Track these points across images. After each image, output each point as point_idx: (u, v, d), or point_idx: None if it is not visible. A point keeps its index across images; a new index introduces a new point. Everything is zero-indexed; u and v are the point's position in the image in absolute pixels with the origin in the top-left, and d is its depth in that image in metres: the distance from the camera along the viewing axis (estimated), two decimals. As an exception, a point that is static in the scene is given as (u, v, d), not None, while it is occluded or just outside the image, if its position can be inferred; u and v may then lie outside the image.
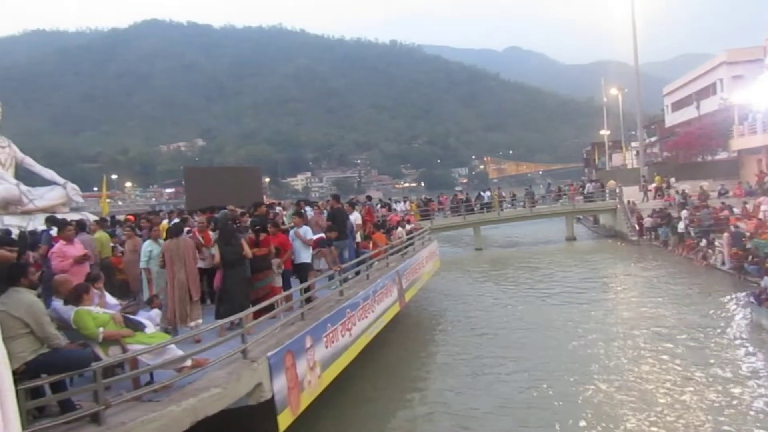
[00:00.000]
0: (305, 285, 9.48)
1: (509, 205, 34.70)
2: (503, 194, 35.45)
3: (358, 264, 11.84)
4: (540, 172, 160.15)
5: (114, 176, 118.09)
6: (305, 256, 10.00)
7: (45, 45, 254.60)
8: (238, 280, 8.45)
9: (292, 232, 10.21)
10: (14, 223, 14.57)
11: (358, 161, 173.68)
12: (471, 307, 17.06)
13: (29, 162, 17.80)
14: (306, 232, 10.09)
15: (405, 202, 30.33)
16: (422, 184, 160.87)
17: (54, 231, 10.02)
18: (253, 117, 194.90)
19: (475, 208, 32.34)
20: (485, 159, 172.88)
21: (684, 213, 24.39)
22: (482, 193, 35.36)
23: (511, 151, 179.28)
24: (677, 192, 29.57)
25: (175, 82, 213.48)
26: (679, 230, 23.85)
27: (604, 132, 56.29)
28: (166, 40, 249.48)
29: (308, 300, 9.23)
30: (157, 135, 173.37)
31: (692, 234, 22.99)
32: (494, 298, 18.21)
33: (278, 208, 14.98)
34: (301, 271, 9.93)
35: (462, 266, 25.92)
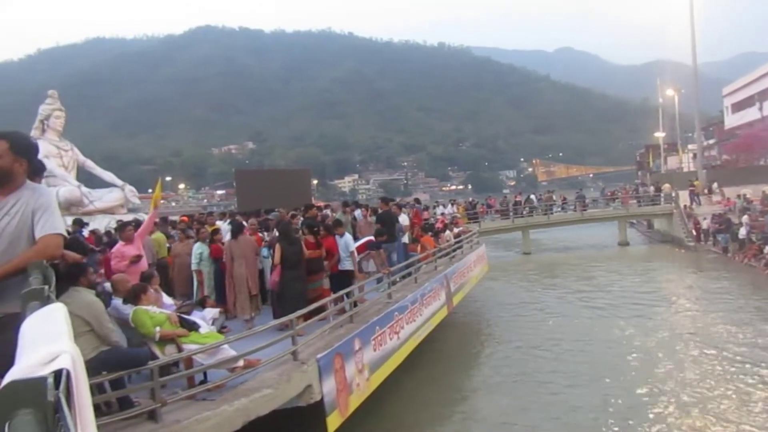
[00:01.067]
0: (355, 287, 9.50)
1: (559, 209, 34.02)
2: (553, 197, 34.79)
3: (407, 267, 11.80)
4: (591, 175, 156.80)
5: (168, 178, 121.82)
6: (348, 263, 9.88)
7: (105, 52, 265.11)
8: (298, 281, 8.57)
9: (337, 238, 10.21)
10: (76, 224, 15.19)
11: (405, 163, 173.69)
12: (518, 312, 16.79)
13: (90, 165, 18.50)
14: (348, 242, 9.94)
15: (452, 204, 30.07)
16: (469, 186, 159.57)
17: (85, 232, 10.45)
18: (302, 120, 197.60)
19: (524, 212, 31.87)
20: (534, 161, 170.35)
21: (745, 218, 23.40)
22: (531, 196, 34.80)
23: (561, 154, 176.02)
24: (737, 196, 28.44)
25: (227, 86, 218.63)
26: (740, 236, 22.89)
27: (659, 134, 54.49)
28: (219, 46, 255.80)
29: (354, 304, 9.20)
30: (208, 138, 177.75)
31: (754, 240, 22.02)
32: (542, 304, 17.82)
33: (327, 211, 15.09)
34: (344, 279, 9.78)
35: (510, 270, 25.54)
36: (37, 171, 3.55)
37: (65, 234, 3.11)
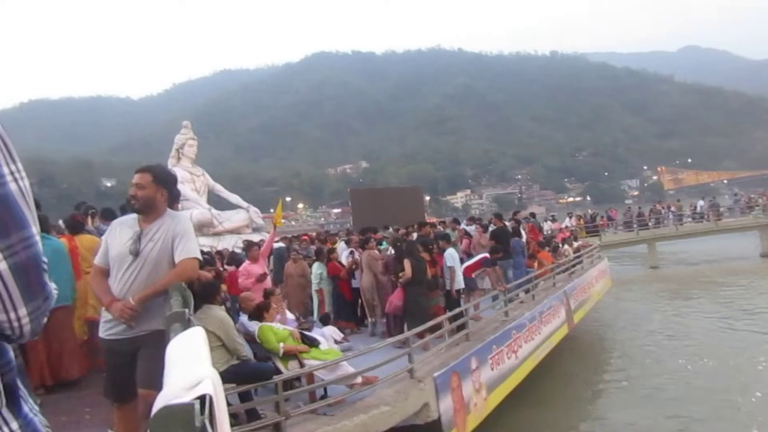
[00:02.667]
0: (470, 305, 9.39)
1: (689, 219, 31.58)
2: (682, 206, 32.35)
3: (523, 284, 11.49)
4: (725, 181, 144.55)
5: (288, 198, 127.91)
6: (456, 281, 9.68)
7: (230, 82, 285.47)
8: (422, 297, 8.64)
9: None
10: (206, 244, 16.31)
11: (519, 177, 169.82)
12: (647, 332, 15.68)
13: (219, 188, 19.84)
14: (451, 255, 9.66)
15: (570, 218, 28.90)
16: (588, 198, 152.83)
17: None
18: (414, 137, 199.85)
19: (650, 223, 29.93)
20: (659, 169, 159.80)
21: None
22: (657, 206, 32.52)
23: (689, 160, 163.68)
24: None
25: (342, 108, 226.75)
26: None
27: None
28: (333, 70, 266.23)
29: (461, 328, 8.87)
30: (325, 158, 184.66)
31: None
32: (673, 324, 16.52)
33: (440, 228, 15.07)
34: (451, 296, 9.56)
35: (636, 286, 24.02)
36: (175, 198, 3.89)
37: (200, 258, 3.37)
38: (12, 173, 0.94)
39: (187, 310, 1.57)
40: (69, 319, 6.23)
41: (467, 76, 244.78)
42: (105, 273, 3.37)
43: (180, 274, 3.17)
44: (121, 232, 3.36)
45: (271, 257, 11.08)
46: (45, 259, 0.95)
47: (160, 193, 3.36)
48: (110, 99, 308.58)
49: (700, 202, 32.42)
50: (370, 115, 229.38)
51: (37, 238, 0.95)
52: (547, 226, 23.90)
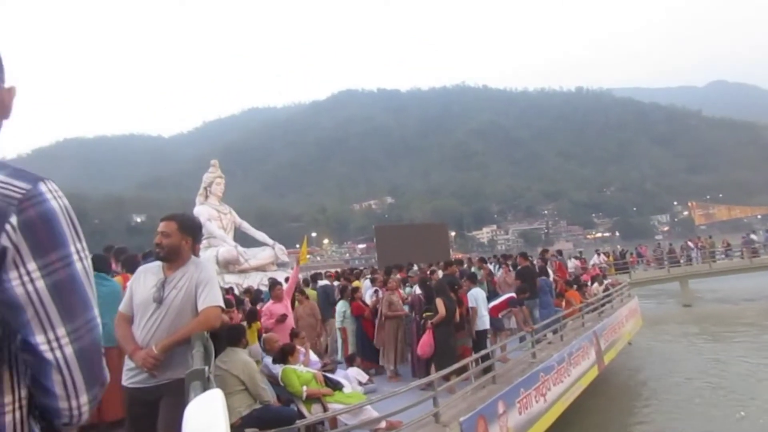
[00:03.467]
0: (497, 346, 9.22)
1: (722, 256, 30.78)
2: (714, 243, 31.54)
3: (551, 324, 11.25)
4: (759, 216, 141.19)
5: (314, 234, 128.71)
6: (481, 322, 9.52)
7: (258, 120, 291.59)
8: (451, 337, 8.52)
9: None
10: (232, 281, 16.43)
11: (545, 212, 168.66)
12: (682, 374, 15.15)
13: (246, 226, 20.10)
14: (474, 296, 9.43)
15: (598, 254, 28.37)
16: (617, 233, 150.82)
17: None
18: (439, 173, 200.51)
19: (682, 260, 29.26)
20: (689, 204, 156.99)
21: None
22: (688, 242, 31.79)
23: (720, 195, 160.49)
24: None
25: (367, 145, 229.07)
26: None
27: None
28: (359, 107, 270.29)
29: (487, 370, 8.66)
30: (350, 194, 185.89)
31: None
32: (710, 364, 15.95)
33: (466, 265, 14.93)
34: (480, 338, 9.35)
35: (669, 325, 23.33)
36: (197, 241, 3.96)
37: (223, 306, 3.38)
38: (78, 252, 0.97)
39: (207, 368, 1.56)
40: (119, 361, 6.25)
41: (492, 112, 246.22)
42: (129, 320, 3.39)
43: (202, 322, 3.17)
44: (145, 279, 3.39)
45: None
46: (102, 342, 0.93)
47: (185, 240, 3.40)
48: (142, 137, 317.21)
49: (753, 236, 31.54)
50: (396, 151, 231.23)
51: (98, 320, 0.97)
52: (571, 264, 23.18)
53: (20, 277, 0.94)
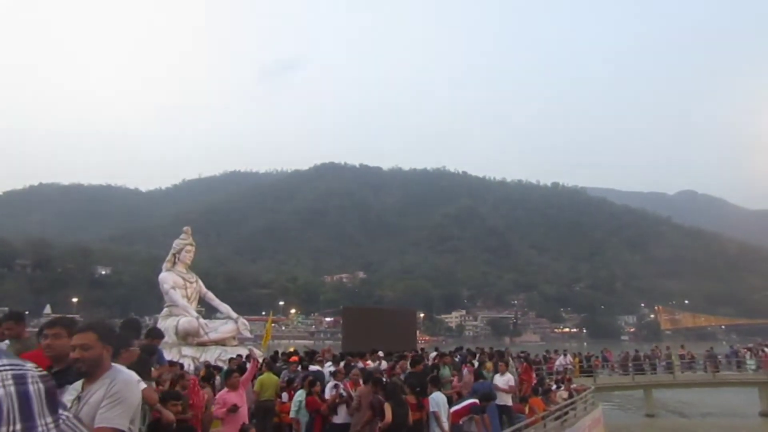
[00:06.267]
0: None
1: (686, 367, 30.73)
2: (671, 354, 31.49)
3: (513, 432, 10.90)
4: (722, 327, 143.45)
5: (281, 302, 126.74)
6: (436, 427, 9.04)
7: (238, 184, 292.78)
8: None
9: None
10: (190, 354, 15.87)
11: (515, 302, 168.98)
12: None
13: (210, 297, 19.65)
14: (435, 401, 8.88)
15: (565, 355, 28.13)
16: (584, 330, 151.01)
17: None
18: (414, 253, 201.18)
19: (646, 367, 29.09)
20: (656, 308, 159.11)
21: None
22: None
23: (686, 301, 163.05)
24: None
25: (345, 219, 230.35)
26: None
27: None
28: (340, 181, 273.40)
29: None
30: (323, 266, 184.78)
31: None
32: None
33: (435, 359, 14.60)
34: None
35: (631, 436, 22.95)
36: (126, 343, 3.74)
37: (123, 429, 3.00)
38: (44, 425, 1.07)
39: None
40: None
41: (470, 198, 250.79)
42: None
43: None
44: (69, 394, 3.16)
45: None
46: None
47: (106, 350, 3.18)
48: (119, 189, 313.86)
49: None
50: (373, 228, 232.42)
51: None
52: (561, 361, 23.13)
53: None
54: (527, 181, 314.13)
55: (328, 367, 11.78)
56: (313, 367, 11.68)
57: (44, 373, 1.20)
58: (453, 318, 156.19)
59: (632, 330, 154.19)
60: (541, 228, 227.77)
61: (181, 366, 11.36)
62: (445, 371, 12.17)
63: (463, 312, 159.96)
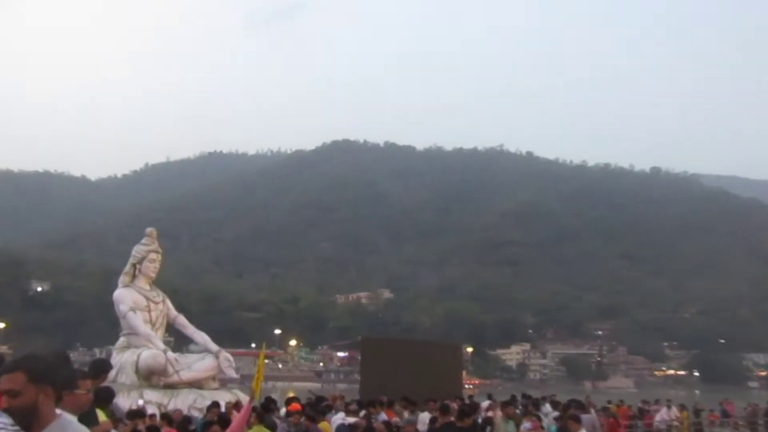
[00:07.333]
0: None
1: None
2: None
3: None
4: None
5: (277, 331, 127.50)
6: None
7: (220, 170, 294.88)
8: None
9: None
10: (154, 400, 16.04)
11: (600, 332, 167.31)
12: None
13: (181, 322, 19.83)
14: None
15: (669, 407, 27.89)
16: (695, 373, 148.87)
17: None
18: (457, 264, 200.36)
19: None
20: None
21: None
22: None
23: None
24: None
25: (363, 216, 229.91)
26: None
27: None
28: (357, 165, 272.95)
29: None
30: (333, 281, 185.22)
31: None
32: None
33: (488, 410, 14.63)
34: None
35: None
36: (67, 384, 3.79)
37: None
38: None
39: None
40: None
41: (537, 189, 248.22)
42: None
43: None
44: None
45: None
46: None
47: (42, 393, 3.19)
48: (60, 177, 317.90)
49: None
50: (400, 230, 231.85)
51: None
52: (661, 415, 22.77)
53: None
54: (616, 166, 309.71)
55: (340, 419, 11.85)
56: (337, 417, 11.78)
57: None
58: (512, 354, 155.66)
59: (764, 373, 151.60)
60: (635, 231, 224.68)
61: (150, 416, 11.55)
62: (509, 428, 12.17)
63: (527, 346, 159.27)
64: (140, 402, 15.06)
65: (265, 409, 12.40)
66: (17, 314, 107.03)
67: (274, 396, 16.12)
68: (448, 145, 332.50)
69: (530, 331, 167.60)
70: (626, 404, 26.29)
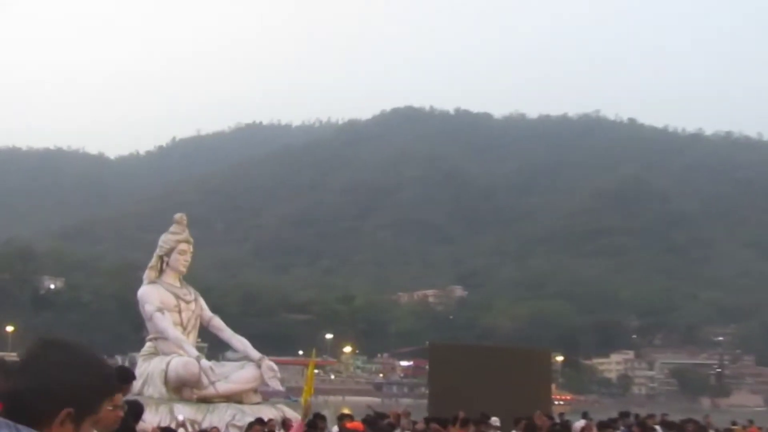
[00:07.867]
0: None
1: None
2: None
3: None
4: None
5: (328, 335, 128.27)
6: None
7: (259, 144, 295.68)
8: None
9: None
10: (187, 415, 16.23)
11: (720, 338, 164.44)
12: None
13: (217, 325, 19.94)
14: None
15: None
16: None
17: None
18: (545, 255, 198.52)
19: None
20: None
21: None
22: None
23: None
24: None
25: (429, 197, 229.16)
26: None
27: None
28: (422, 137, 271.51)
29: None
30: (394, 276, 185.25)
31: None
32: None
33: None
34: None
35: None
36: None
37: None
38: None
39: None
40: None
41: (642, 161, 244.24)
42: None
43: None
44: None
45: None
46: None
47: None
48: (74, 155, 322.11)
49: None
50: (474, 214, 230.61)
51: None
52: None
53: None
54: (741, 135, 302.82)
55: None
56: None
57: None
58: (613, 364, 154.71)
59: None
60: (764, 213, 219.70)
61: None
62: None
63: (631, 354, 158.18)
64: (180, 417, 15.26)
65: (311, 428, 12.44)
66: (26, 316, 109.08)
67: (325, 413, 16.10)
68: (533, 112, 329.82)
69: (634, 336, 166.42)
70: (755, 425, 25.79)
